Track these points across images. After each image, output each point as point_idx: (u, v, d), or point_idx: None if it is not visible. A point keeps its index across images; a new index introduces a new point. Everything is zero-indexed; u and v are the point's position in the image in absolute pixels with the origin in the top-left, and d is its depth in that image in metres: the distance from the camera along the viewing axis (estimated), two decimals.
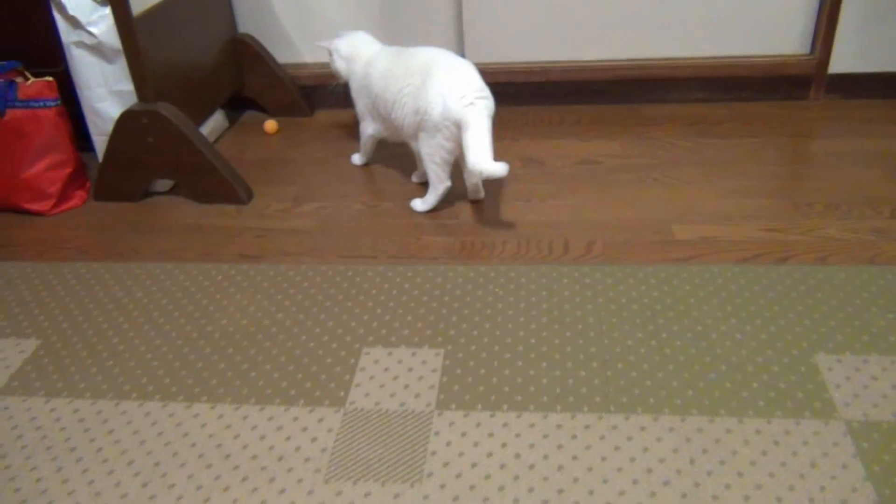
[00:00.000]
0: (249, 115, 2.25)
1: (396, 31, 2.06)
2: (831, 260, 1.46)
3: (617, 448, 1.10)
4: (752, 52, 2.06)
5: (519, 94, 2.17)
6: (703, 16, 2.03)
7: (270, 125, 2.12)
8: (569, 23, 2.07)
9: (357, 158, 1.94)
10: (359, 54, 1.80)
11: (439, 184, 1.66)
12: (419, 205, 1.71)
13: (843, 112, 2.03)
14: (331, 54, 1.84)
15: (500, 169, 1.49)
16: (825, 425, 1.11)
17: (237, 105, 2.23)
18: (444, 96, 1.55)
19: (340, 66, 1.83)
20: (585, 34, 2.08)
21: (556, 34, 2.09)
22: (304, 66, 2.22)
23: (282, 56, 2.19)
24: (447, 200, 1.71)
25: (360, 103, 1.81)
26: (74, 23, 1.71)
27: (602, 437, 1.12)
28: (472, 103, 1.53)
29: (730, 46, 2.06)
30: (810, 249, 1.50)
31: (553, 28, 2.08)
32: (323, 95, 2.09)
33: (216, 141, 2.09)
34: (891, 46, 2.00)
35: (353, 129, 1.86)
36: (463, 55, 2.11)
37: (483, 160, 1.50)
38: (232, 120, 2.20)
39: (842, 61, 2.03)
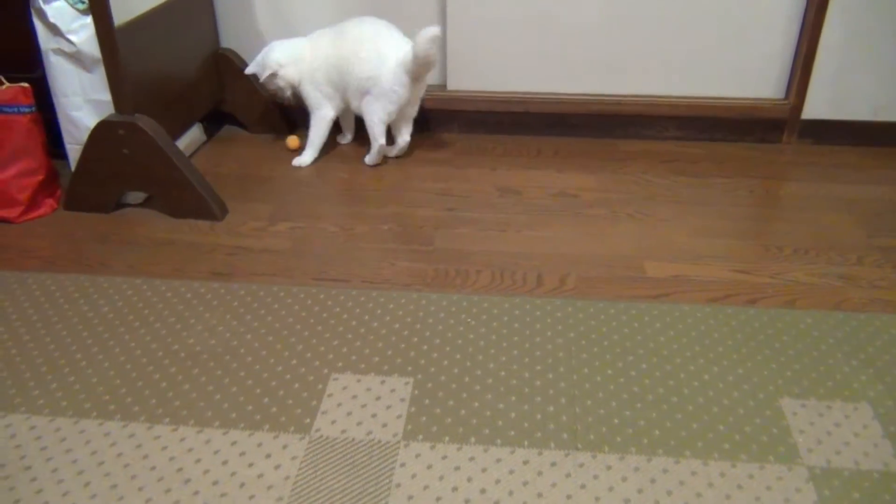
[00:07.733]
0: (227, 130, 2.23)
1: None
2: (799, 304, 1.49)
3: (583, 486, 1.10)
4: (728, 95, 2.11)
5: (498, 123, 2.19)
6: (681, 56, 2.07)
7: (293, 141, 2.11)
8: (550, 56, 2.09)
9: (308, 157, 2.03)
10: (300, 53, 1.96)
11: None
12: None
13: (814, 157, 2.08)
14: (275, 74, 1.95)
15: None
16: (788, 471, 1.12)
17: (216, 119, 2.21)
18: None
19: (291, 73, 1.95)
20: (566, 68, 2.11)
21: (538, 67, 2.11)
22: None
23: None
24: (422, 226, 1.71)
25: (318, 89, 1.96)
26: (54, 30, 1.69)
27: (568, 475, 1.12)
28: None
29: (707, 87, 2.10)
30: (779, 293, 1.52)
31: (534, 61, 2.10)
32: (302, 113, 2.08)
33: (192, 155, 2.07)
34: (862, 96, 2.05)
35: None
36: (445, 83, 2.14)
37: None
38: (210, 134, 2.19)
39: (815, 108, 2.08)
